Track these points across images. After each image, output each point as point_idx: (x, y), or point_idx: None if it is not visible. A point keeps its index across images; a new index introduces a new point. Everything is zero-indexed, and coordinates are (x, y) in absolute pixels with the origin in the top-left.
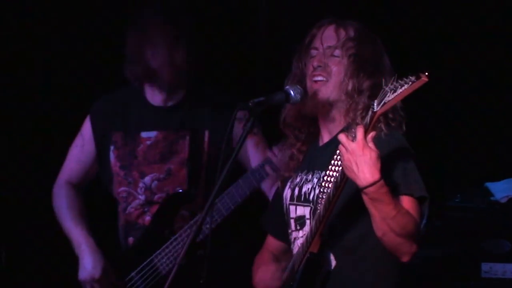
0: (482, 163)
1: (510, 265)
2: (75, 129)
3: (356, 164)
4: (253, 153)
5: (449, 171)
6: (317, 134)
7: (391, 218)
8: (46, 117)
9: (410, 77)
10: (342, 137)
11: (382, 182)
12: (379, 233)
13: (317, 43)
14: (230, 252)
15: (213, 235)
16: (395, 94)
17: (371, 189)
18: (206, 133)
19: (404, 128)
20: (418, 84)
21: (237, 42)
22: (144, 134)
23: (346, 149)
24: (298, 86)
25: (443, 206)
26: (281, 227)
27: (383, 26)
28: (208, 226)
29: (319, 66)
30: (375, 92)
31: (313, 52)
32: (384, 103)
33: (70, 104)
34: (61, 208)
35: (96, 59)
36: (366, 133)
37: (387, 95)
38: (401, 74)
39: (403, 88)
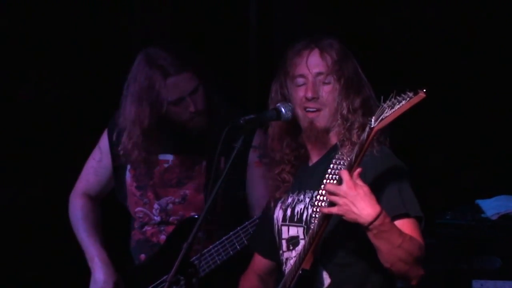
0: (473, 180)
1: (501, 282)
2: (93, 141)
3: (354, 204)
4: (258, 185)
5: (440, 188)
6: (305, 155)
7: (397, 247)
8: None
9: (408, 93)
10: (330, 187)
11: (384, 213)
12: (387, 264)
13: (303, 70)
14: (218, 271)
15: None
16: (393, 110)
17: (376, 222)
18: (222, 160)
19: (388, 141)
20: (416, 100)
21: (223, 60)
22: (161, 157)
23: (339, 195)
24: (290, 104)
25: (434, 223)
26: (268, 246)
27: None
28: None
29: (314, 97)
30: (366, 108)
31: (300, 80)
32: (382, 119)
33: (90, 115)
34: (76, 219)
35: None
36: (351, 170)
37: (385, 111)
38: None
39: (401, 104)
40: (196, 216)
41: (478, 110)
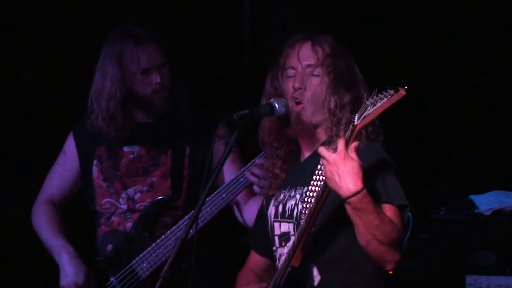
0: (467, 176)
1: (494, 277)
2: (58, 147)
3: (338, 174)
4: (228, 169)
5: (434, 184)
6: (297, 151)
7: (374, 227)
8: (29, 134)
9: (389, 91)
10: (322, 150)
11: (365, 191)
12: (363, 242)
13: (294, 62)
14: (213, 266)
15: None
16: (375, 107)
17: (354, 198)
18: (187, 149)
19: (381, 139)
20: (396, 98)
21: (218, 56)
22: (126, 149)
23: (327, 161)
24: (283, 99)
25: (427, 219)
26: (265, 244)
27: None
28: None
29: (300, 88)
30: (355, 105)
31: (291, 71)
32: (364, 116)
33: (53, 122)
34: (40, 223)
35: (78, 76)
36: (347, 145)
37: (368, 109)
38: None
39: (382, 101)
40: (158, 198)
41: (471, 105)
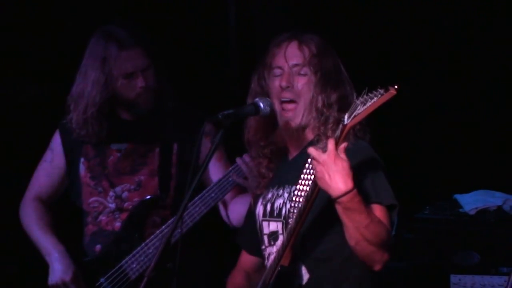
0: (451, 175)
1: (479, 276)
2: (44, 144)
3: (329, 174)
4: (213, 168)
5: (418, 183)
6: (284, 149)
7: (364, 227)
8: (15, 131)
9: (380, 90)
10: (312, 151)
11: (355, 191)
12: (352, 242)
13: (280, 61)
14: (201, 266)
15: (184, 250)
16: (365, 107)
17: (344, 198)
18: (175, 146)
19: (368, 137)
20: (387, 97)
21: (204, 55)
22: (114, 146)
23: (318, 161)
24: (268, 98)
25: (412, 218)
26: (254, 243)
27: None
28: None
29: (288, 87)
30: (342, 104)
31: (277, 71)
32: (355, 116)
33: (39, 119)
34: (29, 220)
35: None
36: (337, 145)
37: (358, 108)
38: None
39: (372, 101)
40: (147, 198)
41: (456, 105)
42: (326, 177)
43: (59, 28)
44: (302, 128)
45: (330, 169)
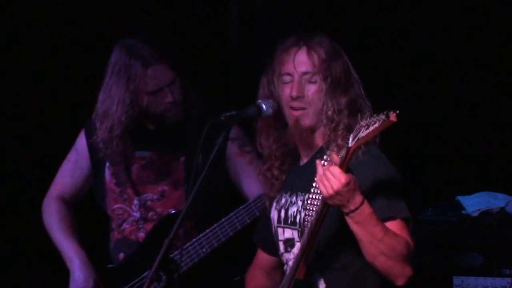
0: (454, 177)
1: (481, 278)
2: (69, 142)
3: (341, 195)
4: (245, 173)
5: (421, 185)
6: (296, 152)
7: (378, 240)
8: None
9: (381, 116)
10: (319, 168)
11: (366, 203)
12: (369, 258)
13: (290, 68)
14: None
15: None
16: (368, 131)
17: (355, 213)
18: (200, 156)
19: (377, 140)
20: (387, 124)
21: (205, 56)
22: (138, 154)
23: (328, 191)
24: (270, 100)
25: (414, 220)
26: (271, 243)
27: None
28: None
29: (299, 96)
30: (352, 108)
31: (287, 78)
32: (358, 139)
33: (65, 117)
34: (52, 221)
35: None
36: (342, 166)
37: (361, 131)
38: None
39: (374, 126)
40: (173, 212)
41: (458, 107)
42: (338, 198)
43: (59, 27)
44: (311, 131)
45: (342, 191)
